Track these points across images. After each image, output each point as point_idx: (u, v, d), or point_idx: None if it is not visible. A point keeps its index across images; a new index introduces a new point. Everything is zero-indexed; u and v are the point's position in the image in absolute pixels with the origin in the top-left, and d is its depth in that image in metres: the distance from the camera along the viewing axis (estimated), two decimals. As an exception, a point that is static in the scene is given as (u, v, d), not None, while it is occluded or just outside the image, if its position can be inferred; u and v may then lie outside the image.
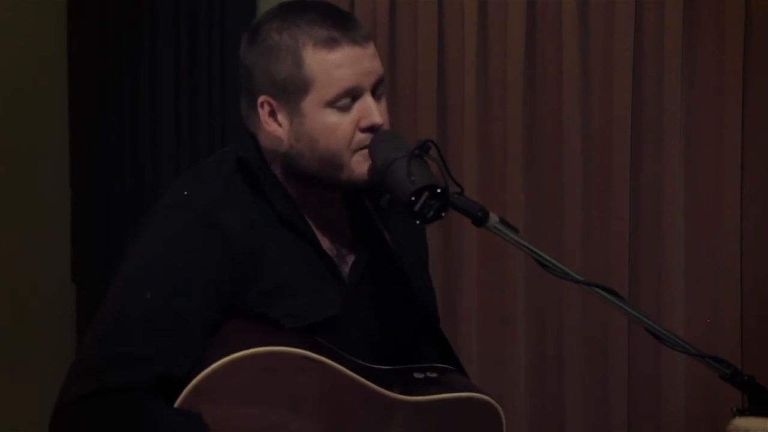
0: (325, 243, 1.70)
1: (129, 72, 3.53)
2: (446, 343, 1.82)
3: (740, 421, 1.50)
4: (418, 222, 1.53)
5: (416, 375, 1.71)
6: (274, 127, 1.63)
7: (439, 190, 1.52)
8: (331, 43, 1.59)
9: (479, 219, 1.57)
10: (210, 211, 1.59)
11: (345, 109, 1.61)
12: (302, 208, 1.68)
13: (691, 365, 3.05)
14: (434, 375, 1.72)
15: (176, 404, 1.50)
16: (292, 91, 1.60)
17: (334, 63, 1.59)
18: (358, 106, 1.61)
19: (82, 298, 3.64)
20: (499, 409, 1.71)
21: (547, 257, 1.56)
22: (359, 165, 1.63)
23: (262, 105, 1.63)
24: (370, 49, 1.63)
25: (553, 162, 3.18)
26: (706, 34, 3.06)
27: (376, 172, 1.61)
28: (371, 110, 1.61)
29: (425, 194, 1.51)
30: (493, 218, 1.57)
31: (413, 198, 1.51)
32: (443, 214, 1.54)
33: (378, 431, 1.62)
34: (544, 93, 3.19)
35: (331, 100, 1.60)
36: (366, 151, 1.62)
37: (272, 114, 1.63)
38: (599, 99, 3.14)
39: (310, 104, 1.60)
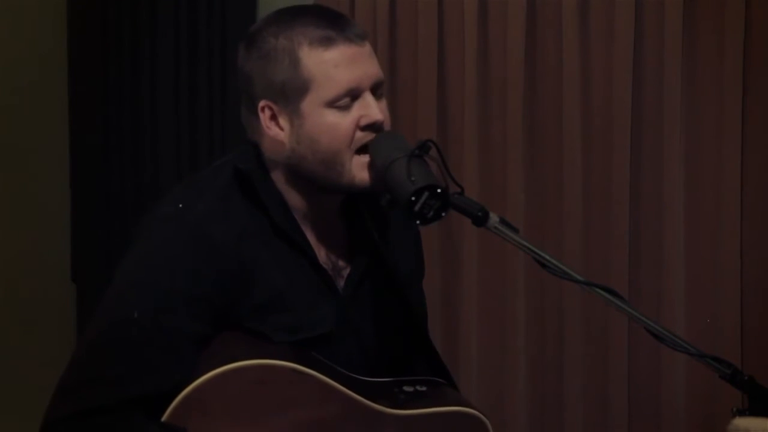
0: (321, 256, 1.69)
1: (129, 72, 3.53)
2: (436, 355, 1.82)
3: (740, 421, 1.50)
4: (418, 222, 1.53)
5: (406, 388, 1.70)
6: (275, 131, 1.63)
7: (439, 190, 1.52)
8: (326, 42, 1.59)
9: (479, 219, 1.57)
10: (200, 224, 1.58)
11: (345, 109, 1.60)
12: (300, 220, 1.68)
13: (691, 365, 3.05)
14: (423, 388, 1.72)
15: (164, 417, 1.50)
16: (291, 92, 1.60)
17: (332, 62, 1.59)
18: (357, 105, 1.61)
19: (82, 298, 3.64)
20: (487, 423, 1.71)
21: (547, 257, 1.56)
22: (360, 169, 1.62)
23: (262, 110, 1.63)
24: (366, 48, 1.64)
25: (553, 162, 3.18)
26: (706, 34, 3.06)
27: (376, 172, 1.61)
28: (371, 107, 1.61)
29: (425, 194, 1.52)
30: (493, 218, 1.57)
31: (413, 198, 1.51)
32: (443, 214, 1.54)
33: None
34: (544, 93, 3.19)
35: (331, 100, 1.60)
36: (366, 156, 1.62)
37: (273, 118, 1.63)
38: (599, 99, 3.14)
39: (309, 105, 1.60)
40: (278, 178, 1.67)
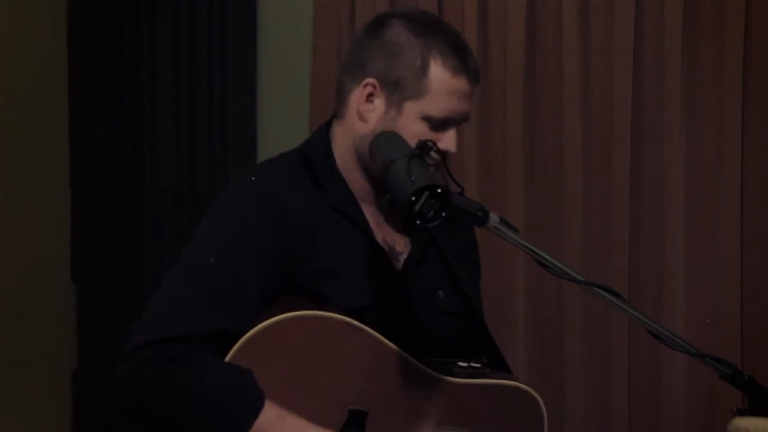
0: (379, 237, 1.78)
1: (129, 72, 3.53)
2: (494, 345, 1.86)
3: (740, 421, 1.50)
4: (418, 222, 1.54)
5: (460, 363, 1.76)
6: (366, 107, 1.74)
7: (439, 190, 1.53)
8: (457, 71, 1.73)
9: (479, 219, 1.57)
10: (272, 191, 1.72)
11: (433, 127, 1.72)
12: (361, 200, 1.78)
13: (691, 365, 3.05)
14: (477, 365, 1.77)
15: (228, 356, 1.61)
16: (404, 89, 1.72)
17: (452, 89, 1.72)
18: (442, 129, 1.73)
19: (82, 298, 3.64)
20: (541, 401, 1.77)
21: (547, 257, 1.57)
22: None
23: (365, 85, 1.74)
24: (474, 90, 1.78)
25: (553, 162, 3.19)
26: (707, 34, 3.06)
27: (376, 172, 1.64)
28: (453, 140, 1.74)
29: (425, 194, 1.53)
30: (493, 218, 1.58)
31: (413, 198, 1.52)
32: (443, 214, 1.54)
33: (418, 404, 1.68)
34: (544, 93, 3.19)
35: (430, 116, 1.72)
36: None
37: (370, 96, 1.74)
38: (599, 99, 3.14)
39: (412, 108, 1.72)
40: (345, 158, 1.78)
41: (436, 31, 1.75)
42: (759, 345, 3.03)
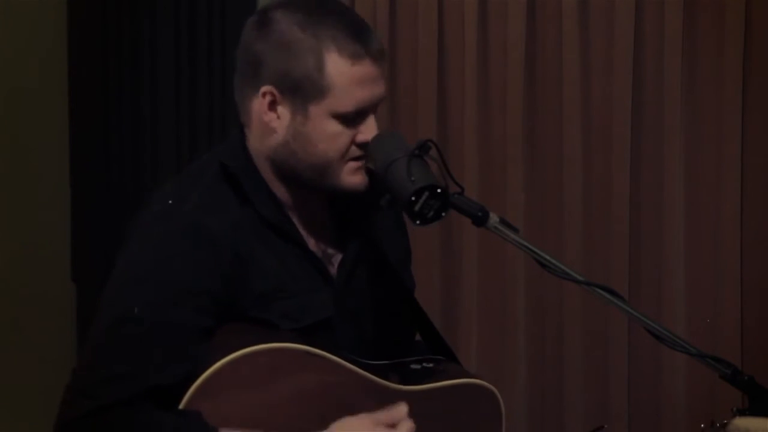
0: (311, 243, 1.70)
1: (129, 71, 3.53)
2: (437, 333, 1.83)
3: (740, 421, 1.50)
4: (418, 222, 1.54)
5: (413, 366, 1.72)
6: (270, 117, 1.62)
7: (439, 190, 1.52)
8: (355, 57, 1.59)
9: (479, 219, 1.57)
10: (195, 217, 1.58)
11: (348, 122, 1.61)
12: (288, 209, 1.68)
13: (691, 365, 3.06)
14: (430, 365, 1.73)
15: (181, 406, 1.50)
16: (304, 91, 1.59)
17: (356, 79, 1.59)
18: (359, 121, 1.62)
19: (82, 298, 3.64)
20: (497, 393, 1.75)
21: (547, 257, 1.57)
22: (350, 174, 1.63)
23: (264, 94, 1.62)
24: (384, 68, 1.64)
25: (553, 162, 3.19)
26: (707, 34, 3.07)
27: (376, 172, 1.61)
28: (371, 128, 1.62)
29: (425, 194, 1.52)
30: (493, 218, 1.58)
31: (413, 198, 1.52)
32: (443, 214, 1.54)
33: None
34: (544, 93, 3.20)
35: (340, 113, 1.59)
36: (356, 162, 1.63)
37: (272, 105, 1.62)
38: (599, 99, 3.15)
39: (319, 109, 1.59)
40: (264, 168, 1.66)
41: (324, 16, 1.60)
42: (759, 345, 3.03)
